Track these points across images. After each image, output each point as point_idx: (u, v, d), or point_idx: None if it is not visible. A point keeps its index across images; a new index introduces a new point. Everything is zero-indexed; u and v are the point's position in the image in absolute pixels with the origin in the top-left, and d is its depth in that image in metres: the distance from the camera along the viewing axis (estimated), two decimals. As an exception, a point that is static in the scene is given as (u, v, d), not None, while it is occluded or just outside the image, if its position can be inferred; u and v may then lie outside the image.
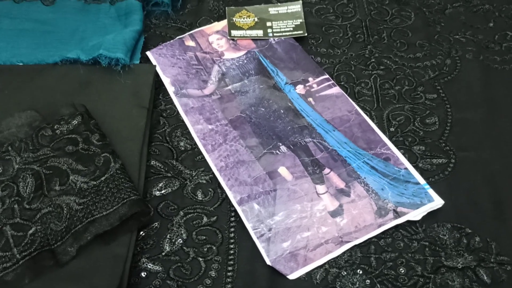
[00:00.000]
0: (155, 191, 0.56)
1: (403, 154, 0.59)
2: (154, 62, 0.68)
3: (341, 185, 0.55)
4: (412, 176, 0.56)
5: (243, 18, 0.73)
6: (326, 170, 0.57)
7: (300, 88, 0.65)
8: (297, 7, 0.74)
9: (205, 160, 0.58)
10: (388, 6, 0.78)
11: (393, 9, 0.77)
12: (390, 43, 0.72)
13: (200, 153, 0.59)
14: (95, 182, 0.52)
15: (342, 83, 0.67)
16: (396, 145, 0.60)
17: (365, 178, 0.56)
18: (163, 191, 0.56)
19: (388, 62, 0.70)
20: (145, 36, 0.70)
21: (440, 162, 0.58)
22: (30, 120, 0.57)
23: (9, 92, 0.61)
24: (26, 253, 0.48)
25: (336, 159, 0.58)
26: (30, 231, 0.49)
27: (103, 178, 0.52)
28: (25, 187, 0.52)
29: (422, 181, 0.56)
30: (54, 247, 0.49)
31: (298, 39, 0.71)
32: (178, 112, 0.63)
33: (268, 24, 0.73)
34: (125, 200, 0.50)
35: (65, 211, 0.50)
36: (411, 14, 0.76)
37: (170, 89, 0.65)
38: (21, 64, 0.64)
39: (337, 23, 0.75)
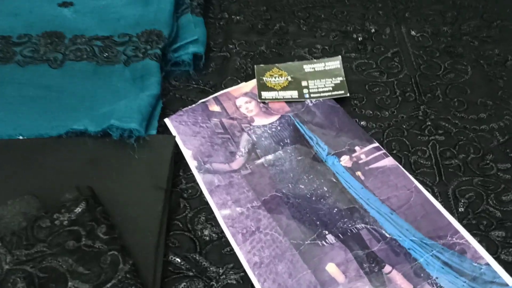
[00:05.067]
0: (174, 296, 0.45)
1: (479, 242, 0.47)
2: (173, 131, 0.58)
3: (408, 288, 0.44)
4: (497, 275, 0.44)
5: (275, 78, 0.64)
6: (387, 268, 0.45)
7: (345, 160, 0.55)
8: (336, 64, 0.65)
9: (235, 253, 0.48)
10: (439, 59, 0.68)
11: (445, 62, 0.67)
12: (446, 102, 0.62)
13: (229, 244, 0.48)
14: (99, 291, 0.42)
15: (395, 151, 0.56)
16: (468, 231, 0.48)
17: (437, 278, 0.44)
18: (183, 296, 0.45)
19: (446, 125, 0.59)
20: (163, 100, 0.62)
21: (529, 253, 0.47)
22: (26, 208, 0.48)
23: (5, 172, 0.52)
24: None
25: (397, 252, 0.46)
26: None
27: (109, 285, 0.42)
28: (14, 295, 0.42)
29: (510, 281, 0.44)
30: None
31: (338, 100, 0.62)
32: (201, 191, 0.53)
33: (304, 83, 0.63)
34: (136, 316, 0.40)
35: (60, 331, 0.40)
36: (467, 67, 0.66)
37: (192, 164, 0.55)
38: (20, 138, 0.55)
39: (382, 79, 0.65)
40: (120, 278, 0.42)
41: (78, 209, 0.47)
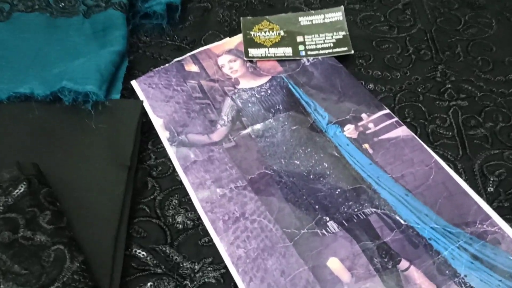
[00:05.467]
0: (137, 299, 0.36)
1: (514, 229, 0.39)
2: (141, 95, 0.49)
3: (430, 290, 0.35)
4: (539, 272, 0.36)
5: (264, 32, 0.54)
6: (404, 264, 0.36)
7: (350, 130, 0.45)
8: (337, 15, 0.55)
9: (214, 245, 0.39)
10: (459, 11, 0.58)
11: (465, 15, 0.57)
12: (468, 61, 0.52)
13: (207, 233, 0.39)
14: (37, 297, 0.33)
15: (409, 119, 0.47)
16: (501, 215, 0.39)
17: (465, 276, 0.35)
18: (149, 300, 0.36)
19: (469, 88, 0.50)
20: (130, 58, 0.52)
21: None
22: (-48, 190, 0.38)
23: None
24: None
25: (416, 244, 0.37)
26: None
27: (50, 290, 0.33)
28: None
29: (556, 279, 0.35)
30: None
31: (341, 58, 0.52)
32: (174, 169, 0.44)
33: (299, 39, 0.53)
34: (83, 331, 0.31)
35: None
36: (491, 21, 0.57)
37: (163, 135, 0.46)
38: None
39: (392, 35, 0.55)
40: (66, 280, 0.33)
41: (17, 192, 0.38)
